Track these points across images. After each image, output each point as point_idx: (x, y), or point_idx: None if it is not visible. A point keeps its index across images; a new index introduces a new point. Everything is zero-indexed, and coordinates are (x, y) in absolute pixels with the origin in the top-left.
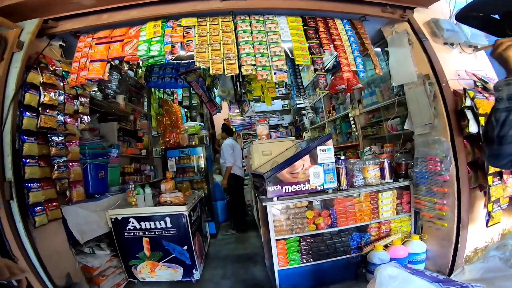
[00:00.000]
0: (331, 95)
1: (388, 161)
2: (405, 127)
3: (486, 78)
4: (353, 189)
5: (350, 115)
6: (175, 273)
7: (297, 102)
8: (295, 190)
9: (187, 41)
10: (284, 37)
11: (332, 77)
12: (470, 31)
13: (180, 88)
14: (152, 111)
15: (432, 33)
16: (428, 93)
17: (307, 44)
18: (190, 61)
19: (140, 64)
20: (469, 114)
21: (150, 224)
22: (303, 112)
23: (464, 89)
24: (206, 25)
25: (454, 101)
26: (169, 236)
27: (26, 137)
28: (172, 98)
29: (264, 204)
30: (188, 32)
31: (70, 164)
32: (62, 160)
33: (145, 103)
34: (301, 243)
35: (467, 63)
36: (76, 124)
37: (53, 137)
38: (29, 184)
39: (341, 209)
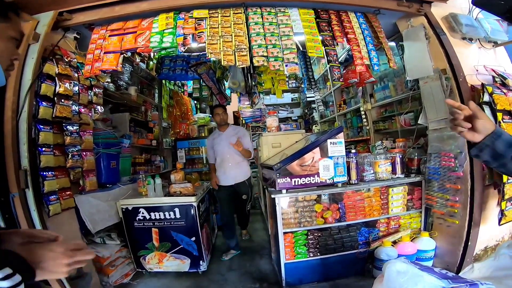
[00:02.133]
0: (342, 88)
1: (400, 156)
2: (419, 121)
3: (505, 74)
4: (363, 183)
5: (361, 109)
6: (182, 264)
7: (307, 95)
8: (304, 182)
9: (198, 32)
10: (296, 29)
11: (344, 70)
12: (490, 27)
13: (190, 80)
14: (163, 102)
15: (450, 28)
16: (444, 88)
17: (320, 37)
18: (201, 53)
19: (152, 56)
20: (486, 109)
21: (159, 215)
22: (313, 105)
23: (483, 84)
24: (217, 17)
25: (471, 97)
26: (177, 227)
27: (42, 126)
28: (182, 90)
29: (273, 196)
30: (200, 24)
31: (84, 153)
32: (76, 149)
33: (156, 95)
34: (309, 237)
35: (486, 59)
36: (90, 114)
37: (68, 127)
38: (44, 173)
39: (350, 203)
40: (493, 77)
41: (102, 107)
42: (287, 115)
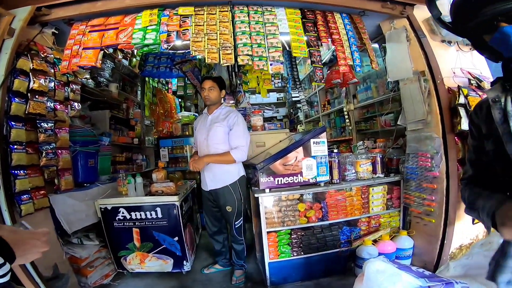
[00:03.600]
0: (326, 89)
1: (380, 156)
2: (398, 122)
3: (480, 76)
4: (345, 182)
5: (344, 109)
6: (165, 264)
7: (293, 95)
8: (287, 182)
9: (183, 30)
10: (282, 29)
11: (328, 71)
12: None
13: (175, 77)
14: (146, 100)
15: (431, 31)
16: (423, 90)
17: (305, 37)
18: (186, 51)
19: (135, 53)
20: (462, 111)
21: (140, 214)
22: (298, 105)
23: (459, 87)
24: (203, 14)
25: (448, 98)
26: (159, 226)
27: (14, 123)
28: (166, 87)
29: (256, 195)
30: (185, 21)
31: (59, 151)
32: (51, 147)
33: (139, 92)
34: (292, 236)
35: (463, 61)
36: (66, 111)
37: (42, 124)
38: (16, 171)
39: (333, 202)
40: (469, 79)
41: (79, 103)
42: (272, 114)
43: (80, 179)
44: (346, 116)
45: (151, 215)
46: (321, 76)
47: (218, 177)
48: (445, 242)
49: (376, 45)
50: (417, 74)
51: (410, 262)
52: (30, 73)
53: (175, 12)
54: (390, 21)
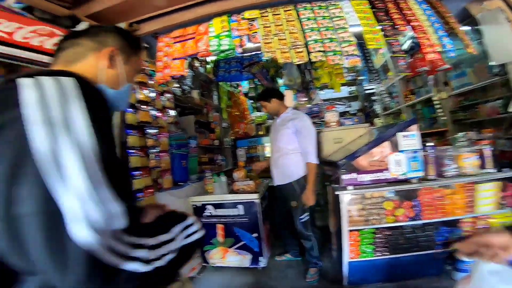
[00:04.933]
0: (409, 78)
1: (490, 149)
2: (510, 109)
3: None
4: (443, 179)
5: (434, 98)
6: (244, 260)
7: (367, 87)
8: (372, 178)
9: (252, 33)
10: (351, 21)
11: (410, 59)
12: None
13: (245, 80)
14: (222, 103)
15: None
16: None
17: (379, 27)
18: (253, 53)
19: (208, 60)
20: None
21: (224, 211)
22: (373, 97)
23: None
24: (268, 16)
25: None
26: (240, 223)
27: (130, 131)
28: (237, 90)
29: (336, 193)
30: (252, 24)
31: (161, 154)
32: (156, 150)
33: (215, 97)
34: (377, 235)
35: None
36: (164, 118)
37: (148, 130)
38: (133, 172)
39: (428, 200)
40: None
41: (174, 110)
42: (344, 109)
43: (176, 178)
44: (438, 106)
45: (233, 212)
46: (405, 66)
47: (284, 173)
48: None
49: (467, 28)
50: None
51: None
52: (137, 86)
53: (242, 16)
54: (479, 3)
